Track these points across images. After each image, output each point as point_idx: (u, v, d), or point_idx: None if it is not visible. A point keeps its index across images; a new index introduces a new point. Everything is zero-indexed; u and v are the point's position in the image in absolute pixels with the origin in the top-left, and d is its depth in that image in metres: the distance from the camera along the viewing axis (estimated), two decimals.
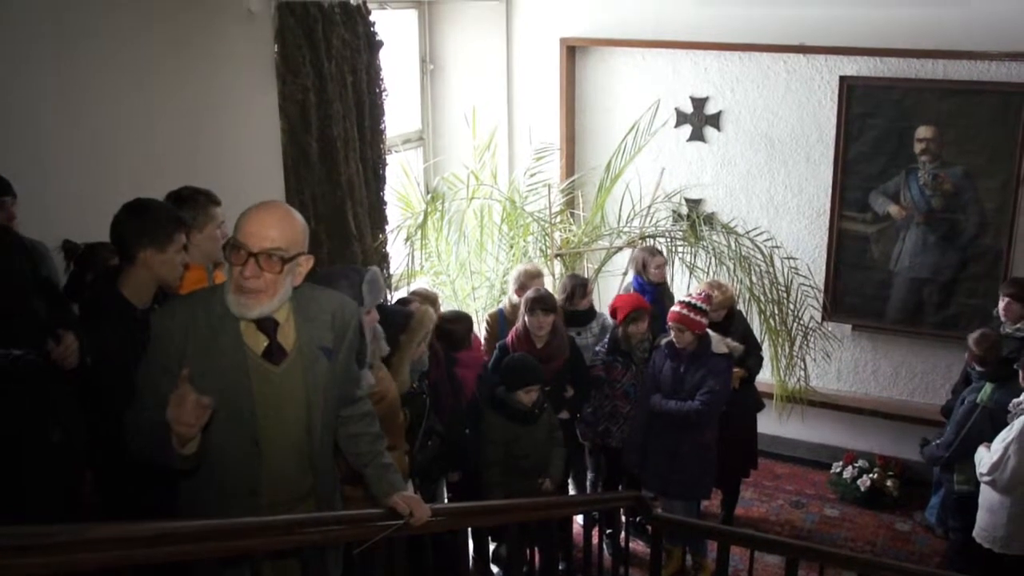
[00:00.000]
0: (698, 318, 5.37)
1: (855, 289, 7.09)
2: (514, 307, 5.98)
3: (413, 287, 6.07)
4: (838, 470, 7.13)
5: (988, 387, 5.37)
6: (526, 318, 5.46)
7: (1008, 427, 5.08)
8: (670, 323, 5.43)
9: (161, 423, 2.54)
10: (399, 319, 4.30)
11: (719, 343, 5.53)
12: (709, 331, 5.51)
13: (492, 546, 5.67)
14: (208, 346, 2.78)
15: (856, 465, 7.05)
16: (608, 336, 5.84)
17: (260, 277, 2.70)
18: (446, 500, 5.23)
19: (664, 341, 5.60)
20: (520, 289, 5.92)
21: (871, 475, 6.93)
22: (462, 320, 5.17)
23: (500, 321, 6.03)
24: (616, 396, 5.77)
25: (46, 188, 3.95)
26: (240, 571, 2.84)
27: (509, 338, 5.57)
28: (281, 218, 2.79)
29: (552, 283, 6.83)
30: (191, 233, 3.66)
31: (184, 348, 2.76)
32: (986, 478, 5.12)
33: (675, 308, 5.46)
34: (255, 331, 2.83)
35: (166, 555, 2.27)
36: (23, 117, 3.90)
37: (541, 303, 5.46)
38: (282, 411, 2.90)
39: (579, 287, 6.03)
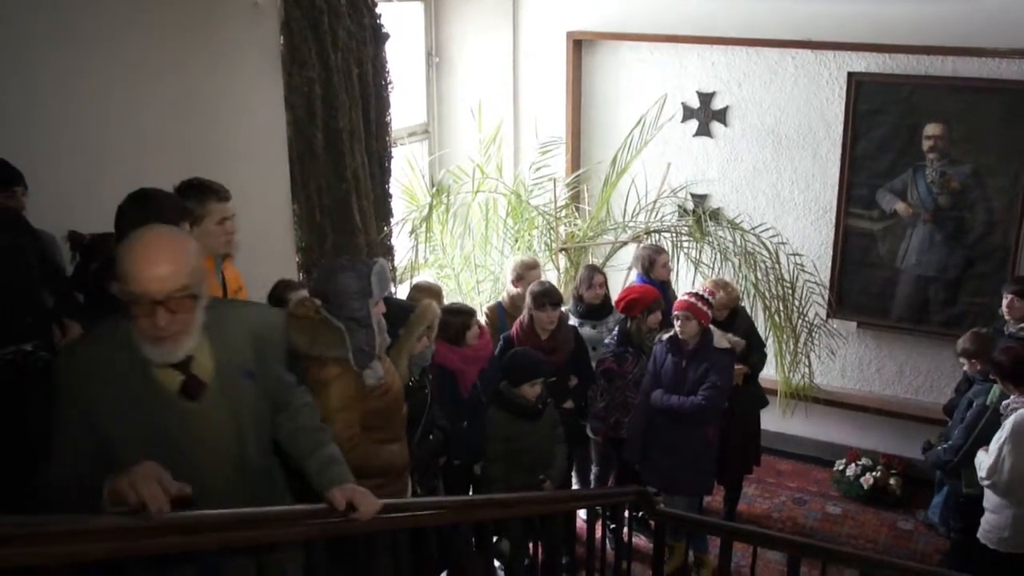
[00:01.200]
0: (704, 308, 5.38)
1: (861, 286, 7.07)
2: (512, 299, 5.98)
3: (417, 280, 6.06)
4: (841, 468, 7.12)
5: (996, 388, 5.33)
6: (533, 312, 5.45)
7: (1001, 428, 5.06)
8: (676, 312, 5.42)
9: (90, 488, 2.32)
10: (400, 312, 4.28)
11: (720, 338, 5.52)
12: (711, 326, 5.51)
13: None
14: (118, 390, 2.52)
15: (859, 463, 7.05)
16: (617, 329, 5.83)
17: (174, 321, 2.48)
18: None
19: (666, 336, 5.58)
20: (517, 280, 5.93)
21: (874, 473, 6.92)
22: (459, 313, 5.12)
23: (499, 314, 6.03)
24: (627, 387, 5.76)
25: (51, 179, 3.95)
26: (183, 571, 2.62)
27: (513, 331, 5.57)
28: (171, 250, 2.51)
29: (556, 277, 6.82)
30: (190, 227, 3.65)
31: (93, 395, 2.51)
32: (986, 482, 5.09)
33: (682, 298, 5.47)
34: (167, 369, 2.58)
35: (171, 545, 2.25)
36: (29, 108, 3.90)
37: (549, 297, 5.47)
38: (209, 447, 2.67)
39: (597, 274, 6.04)
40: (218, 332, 2.68)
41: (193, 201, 3.74)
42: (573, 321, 5.95)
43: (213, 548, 2.38)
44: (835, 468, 7.18)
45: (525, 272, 5.92)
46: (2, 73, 3.80)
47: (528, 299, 5.54)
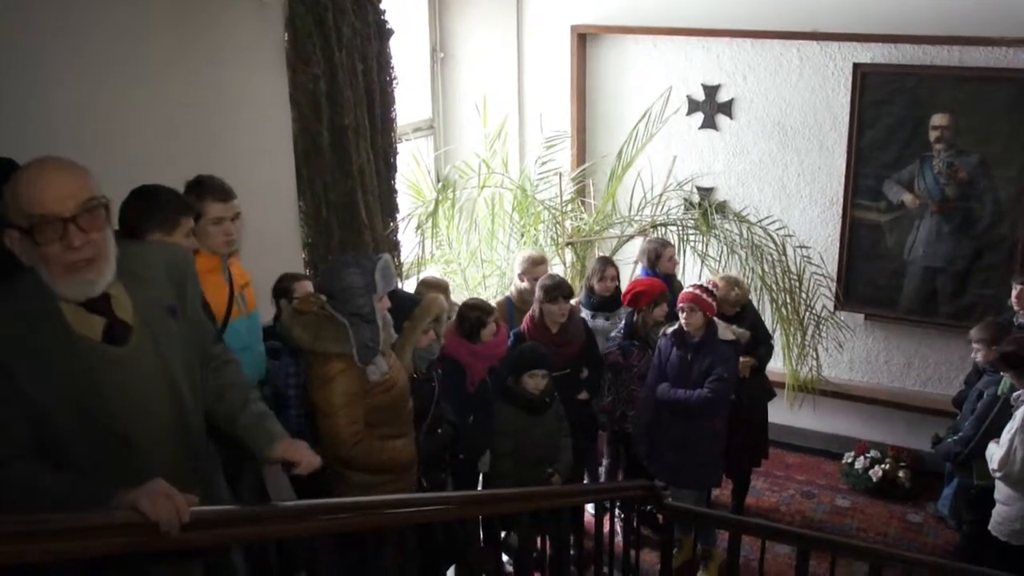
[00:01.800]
0: (709, 300, 5.39)
1: (868, 278, 7.05)
2: (520, 293, 5.98)
3: (424, 275, 6.06)
4: (850, 460, 7.11)
5: (1007, 379, 5.30)
6: (544, 305, 5.46)
7: (1012, 419, 5.04)
8: (681, 303, 5.42)
9: (80, 488, 2.26)
10: (405, 305, 4.28)
11: (725, 330, 5.52)
12: (715, 318, 5.51)
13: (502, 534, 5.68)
14: (36, 350, 2.33)
15: (868, 455, 7.04)
16: (624, 322, 5.83)
17: (89, 241, 2.33)
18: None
19: (670, 330, 5.58)
20: (524, 274, 5.93)
21: (883, 465, 6.91)
22: (476, 309, 5.11)
23: (508, 309, 6.02)
24: (632, 381, 5.76)
25: None
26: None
27: (524, 325, 5.57)
28: (69, 166, 2.37)
29: (563, 271, 6.82)
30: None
31: (5, 368, 2.29)
32: (998, 474, 5.07)
33: (687, 290, 5.48)
34: (85, 315, 2.42)
35: (177, 541, 2.24)
36: (31, 105, 3.89)
37: (560, 290, 5.47)
38: (141, 396, 2.50)
39: (609, 267, 6.07)
40: (131, 271, 2.53)
41: (192, 199, 3.73)
42: (585, 313, 5.96)
43: (223, 544, 2.36)
44: (844, 461, 7.17)
45: (532, 267, 5.92)
46: (5, 69, 3.80)
47: (538, 292, 5.54)
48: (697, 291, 5.40)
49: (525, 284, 5.93)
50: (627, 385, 5.81)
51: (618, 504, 5.66)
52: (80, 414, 2.38)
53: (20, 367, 2.31)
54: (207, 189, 3.84)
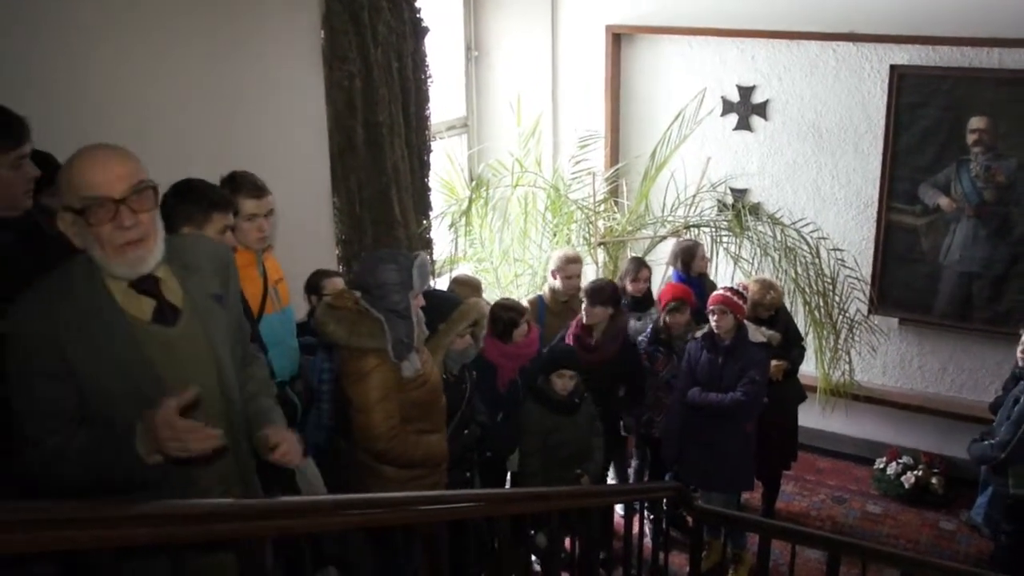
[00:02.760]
0: (740, 302, 5.38)
1: (903, 282, 6.98)
2: (553, 292, 5.98)
3: (455, 273, 6.07)
4: (881, 466, 7.05)
5: None
6: (584, 308, 5.56)
7: None
8: (712, 306, 5.41)
9: (106, 436, 2.35)
10: (444, 306, 4.27)
11: (755, 332, 5.50)
12: (746, 321, 5.48)
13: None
14: (86, 332, 2.42)
15: (900, 461, 6.97)
16: (651, 327, 5.83)
17: (138, 222, 2.41)
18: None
19: (700, 333, 5.56)
20: (557, 271, 5.94)
21: (915, 472, 6.85)
22: (509, 310, 5.10)
23: (539, 307, 6.02)
24: (658, 387, 5.76)
25: None
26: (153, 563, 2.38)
27: (572, 326, 5.65)
28: (119, 150, 2.46)
29: (595, 271, 6.81)
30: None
31: (58, 345, 2.39)
32: None
33: (717, 292, 5.46)
34: (135, 297, 2.50)
35: (215, 533, 2.26)
36: (72, 101, 3.93)
37: (597, 295, 5.54)
38: (189, 376, 2.52)
39: (644, 268, 6.10)
40: (178, 260, 2.62)
41: (229, 194, 3.76)
42: None
43: (258, 536, 2.37)
44: (875, 466, 7.11)
45: (566, 265, 5.93)
46: (48, 66, 3.84)
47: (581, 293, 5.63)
48: (728, 293, 5.38)
49: (558, 283, 5.94)
50: (653, 391, 5.81)
51: (647, 505, 5.65)
52: (132, 393, 2.45)
53: (73, 346, 2.40)
54: (240, 185, 3.86)
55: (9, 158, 2.81)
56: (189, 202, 3.41)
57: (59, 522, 1.89)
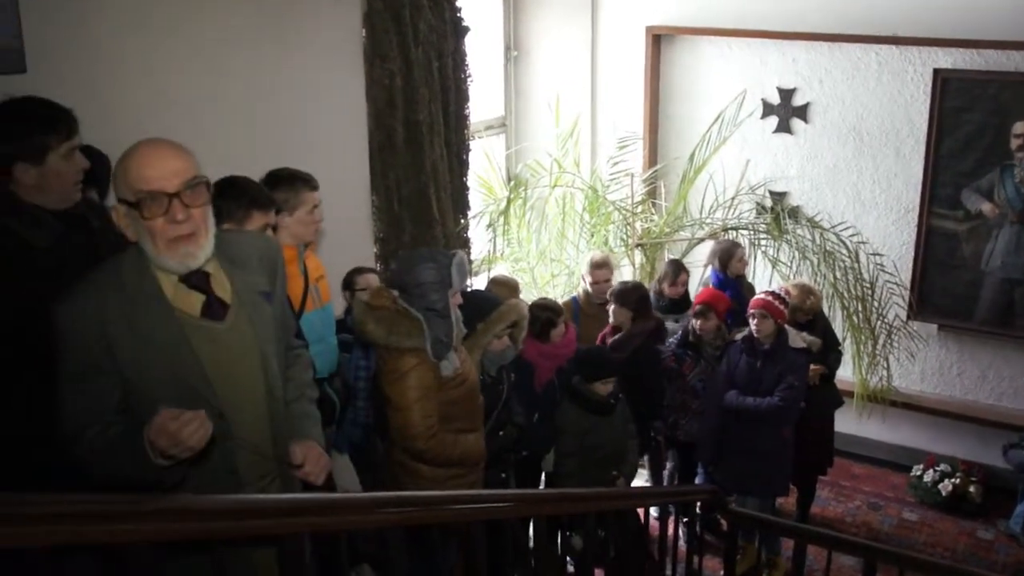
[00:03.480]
0: (781, 307, 5.34)
1: (943, 288, 6.91)
2: (587, 294, 5.99)
3: (494, 273, 6.08)
4: (918, 473, 6.98)
5: None
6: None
7: None
8: (752, 310, 5.38)
9: (126, 434, 2.35)
10: (484, 306, 4.26)
11: (796, 337, 5.46)
12: (786, 326, 5.45)
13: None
14: (134, 326, 2.44)
15: (937, 469, 6.90)
16: (681, 330, 5.81)
17: (190, 216, 2.44)
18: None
19: (740, 336, 5.54)
20: (586, 275, 5.96)
21: (953, 480, 6.77)
22: (547, 310, 5.09)
23: (574, 308, 6.03)
24: (684, 390, 5.73)
25: None
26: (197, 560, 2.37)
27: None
28: (172, 146, 2.49)
29: (632, 273, 6.80)
30: (280, 215, 3.71)
31: (107, 338, 2.42)
32: None
33: (758, 296, 5.44)
34: (185, 291, 2.52)
35: (254, 528, 2.28)
36: (114, 98, 3.97)
37: (620, 297, 5.61)
38: (236, 372, 2.60)
39: (683, 273, 6.13)
40: (228, 256, 2.64)
41: (287, 191, 3.79)
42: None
43: (298, 532, 2.38)
44: (912, 473, 7.04)
45: (594, 270, 5.96)
46: (95, 65, 3.89)
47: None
48: (769, 298, 5.35)
49: (589, 286, 5.96)
50: (681, 393, 5.78)
51: (680, 508, 5.63)
52: (179, 387, 2.47)
53: (121, 340, 2.43)
54: (302, 179, 3.90)
55: (61, 150, 2.85)
56: (230, 199, 3.43)
57: (100, 516, 1.91)
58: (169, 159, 2.43)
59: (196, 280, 2.53)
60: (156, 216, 2.40)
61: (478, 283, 6.24)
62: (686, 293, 6.14)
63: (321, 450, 2.80)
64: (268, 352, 2.69)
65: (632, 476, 5.35)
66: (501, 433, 4.50)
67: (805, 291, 5.83)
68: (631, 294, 5.58)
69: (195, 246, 2.47)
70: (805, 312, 5.78)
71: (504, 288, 5.33)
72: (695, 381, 5.72)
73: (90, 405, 2.44)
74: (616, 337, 5.59)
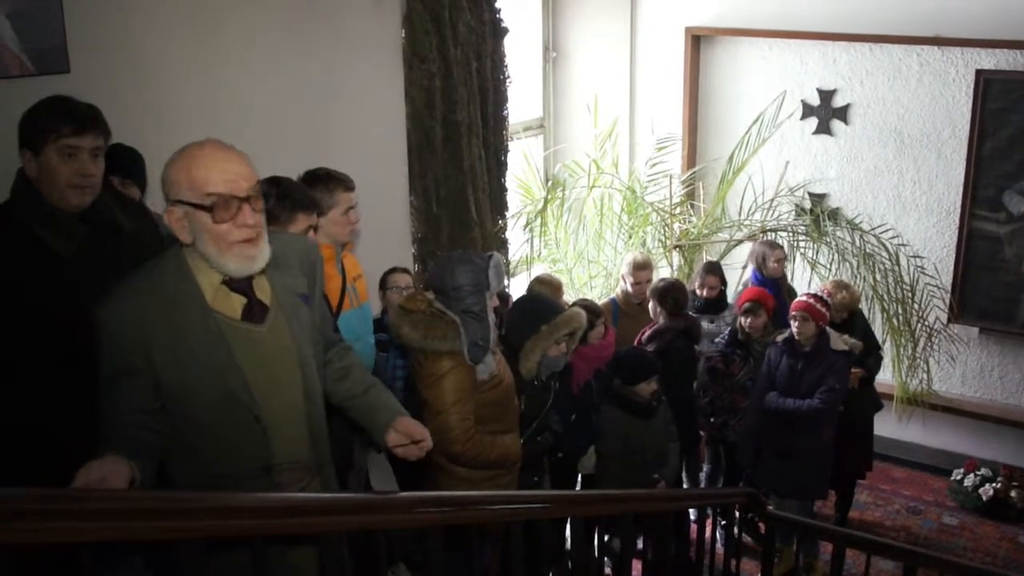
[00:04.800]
0: (823, 309, 5.30)
1: (984, 291, 6.83)
2: (626, 295, 5.99)
3: (536, 273, 6.09)
4: (959, 478, 6.91)
5: None
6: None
7: None
8: (794, 312, 5.36)
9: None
10: (545, 311, 4.23)
11: (838, 340, 5.43)
12: (828, 328, 5.42)
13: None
14: (174, 328, 2.46)
15: (978, 473, 6.82)
16: (728, 329, 5.80)
17: (256, 222, 2.48)
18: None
19: (781, 338, 5.51)
20: (626, 276, 5.97)
21: (994, 484, 6.70)
22: (587, 310, 5.04)
23: (613, 310, 6.02)
24: (734, 389, 5.72)
25: None
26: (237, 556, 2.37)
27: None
28: (237, 152, 2.52)
29: (670, 274, 6.79)
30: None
31: (145, 341, 2.44)
32: None
33: (800, 298, 5.41)
34: (226, 294, 2.54)
35: (292, 527, 2.31)
36: (155, 101, 4.02)
37: (659, 295, 5.62)
38: (274, 374, 2.62)
39: (709, 276, 6.09)
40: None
41: (321, 191, 3.80)
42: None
43: (336, 531, 2.41)
44: (952, 478, 6.97)
45: (634, 271, 5.95)
46: (132, 62, 3.94)
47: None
48: (810, 300, 5.32)
49: (629, 286, 5.95)
50: (729, 393, 5.77)
51: (718, 511, 5.61)
52: (218, 390, 2.50)
53: (160, 343, 2.45)
54: (338, 180, 3.91)
55: (59, 143, 2.83)
56: (275, 200, 3.46)
57: (146, 512, 1.94)
58: (237, 163, 2.47)
59: (239, 283, 2.55)
60: (227, 220, 2.42)
61: (516, 284, 6.25)
62: (722, 293, 6.11)
63: (412, 420, 2.92)
64: (306, 354, 2.71)
65: (673, 479, 5.34)
66: (539, 439, 4.49)
67: (838, 286, 5.79)
68: (666, 293, 5.58)
69: (257, 250, 2.50)
70: (837, 308, 5.70)
71: (547, 287, 5.34)
72: (745, 380, 5.71)
73: (120, 405, 2.45)
74: (650, 329, 5.59)
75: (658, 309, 5.59)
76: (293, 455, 2.68)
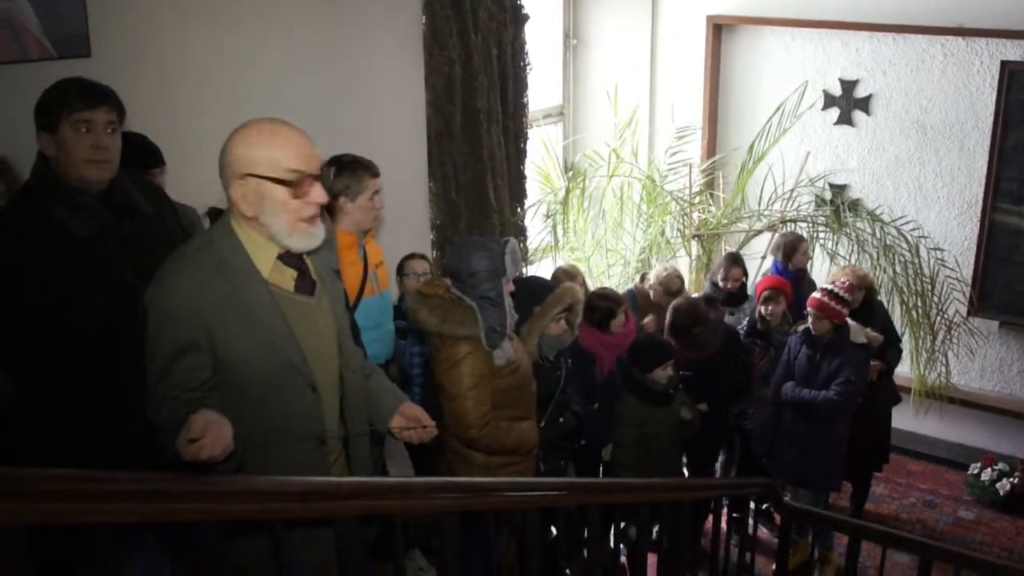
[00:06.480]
0: (838, 307, 5.24)
1: (1005, 284, 6.79)
2: (640, 290, 5.99)
3: (560, 264, 6.09)
4: (976, 472, 6.88)
5: None
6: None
7: None
8: (809, 309, 5.33)
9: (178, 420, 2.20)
10: (538, 291, 4.26)
11: (858, 332, 5.39)
12: (849, 320, 5.38)
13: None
14: (236, 301, 2.47)
15: (996, 468, 6.79)
16: (747, 319, 5.78)
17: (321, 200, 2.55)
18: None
19: (801, 328, 5.49)
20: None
21: (1012, 479, 6.66)
22: (606, 299, 5.07)
23: (631, 300, 6.01)
24: (754, 379, 5.70)
25: (196, 156, 4.05)
26: (257, 541, 2.41)
27: None
28: (302, 130, 2.56)
29: (688, 264, 6.77)
30: (343, 202, 3.76)
31: (207, 316, 2.42)
32: None
33: (816, 295, 5.36)
34: (281, 267, 2.57)
35: (316, 511, 2.33)
36: (176, 87, 4.04)
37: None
38: (322, 347, 2.68)
39: (735, 268, 6.08)
40: None
41: (348, 177, 3.83)
42: None
43: (357, 515, 2.42)
44: (969, 472, 6.93)
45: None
46: (153, 47, 3.95)
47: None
48: (825, 299, 5.25)
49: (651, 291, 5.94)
50: (749, 382, 5.75)
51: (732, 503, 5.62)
52: (277, 360, 2.54)
53: (219, 319, 2.45)
54: (364, 165, 3.95)
55: (72, 118, 2.83)
56: (347, 173, 3.53)
57: (164, 494, 1.95)
58: (308, 142, 2.52)
59: (292, 258, 2.59)
60: (301, 196, 2.48)
61: (534, 271, 6.24)
62: (743, 285, 6.09)
63: (414, 405, 2.98)
64: (344, 327, 2.79)
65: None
66: (561, 420, 4.50)
67: (852, 287, 5.74)
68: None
69: (318, 227, 2.56)
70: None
71: (568, 277, 5.33)
72: (765, 369, 5.69)
73: (181, 382, 2.40)
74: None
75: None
76: (335, 425, 2.74)
